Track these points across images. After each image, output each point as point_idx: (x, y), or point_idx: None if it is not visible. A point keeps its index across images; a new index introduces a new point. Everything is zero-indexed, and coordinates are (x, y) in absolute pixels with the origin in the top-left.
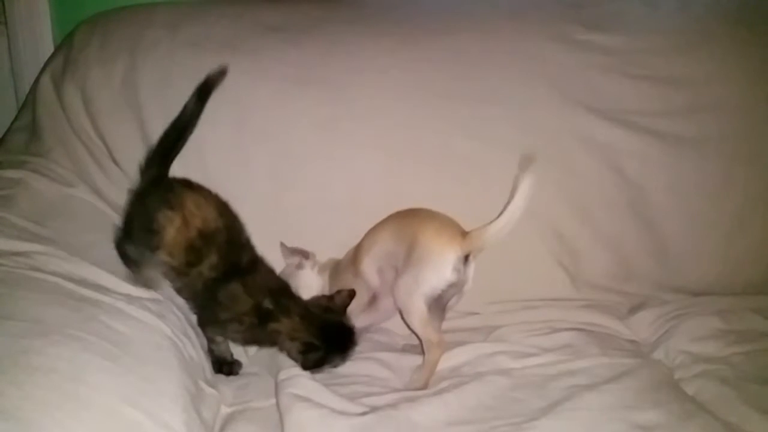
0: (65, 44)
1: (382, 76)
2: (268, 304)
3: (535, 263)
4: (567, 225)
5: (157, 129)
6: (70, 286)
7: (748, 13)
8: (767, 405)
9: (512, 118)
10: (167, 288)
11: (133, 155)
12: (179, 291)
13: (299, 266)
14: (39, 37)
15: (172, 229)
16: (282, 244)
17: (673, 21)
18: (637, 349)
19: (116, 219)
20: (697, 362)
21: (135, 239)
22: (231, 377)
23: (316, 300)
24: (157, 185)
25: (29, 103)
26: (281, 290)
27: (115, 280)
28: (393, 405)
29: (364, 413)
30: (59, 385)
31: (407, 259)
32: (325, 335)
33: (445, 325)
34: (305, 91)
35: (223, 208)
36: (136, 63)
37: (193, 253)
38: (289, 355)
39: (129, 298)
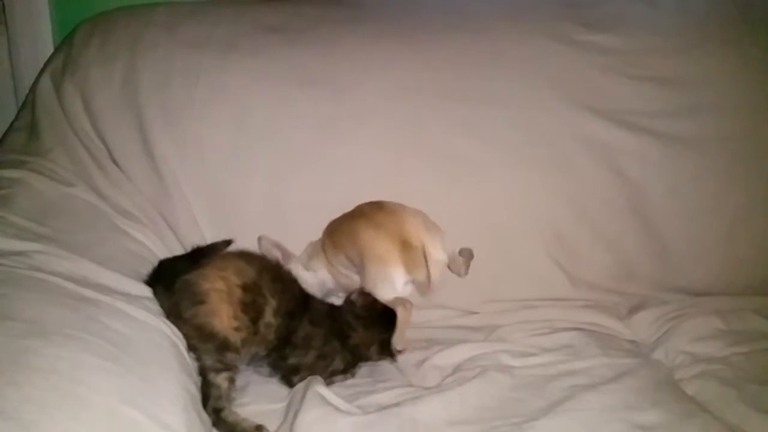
0: (65, 44)
1: (382, 76)
2: (336, 326)
3: (535, 263)
4: (567, 225)
5: (156, 129)
6: (70, 285)
7: (748, 13)
8: (767, 405)
9: (512, 118)
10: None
11: (132, 155)
12: (256, 357)
13: (285, 262)
14: (39, 37)
15: (220, 305)
16: (261, 238)
17: (673, 21)
18: (637, 349)
19: (116, 218)
20: (697, 362)
21: (205, 357)
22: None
23: (353, 305)
24: (170, 294)
25: (29, 103)
26: (330, 308)
27: (115, 278)
28: (395, 403)
29: (366, 412)
30: (58, 385)
31: (361, 274)
32: (387, 325)
33: (445, 323)
34: (305, 91)
35: (242, 255)
36: (136, 63)
37: (249, 309)
38: (372, 360)
39: (129, 298)
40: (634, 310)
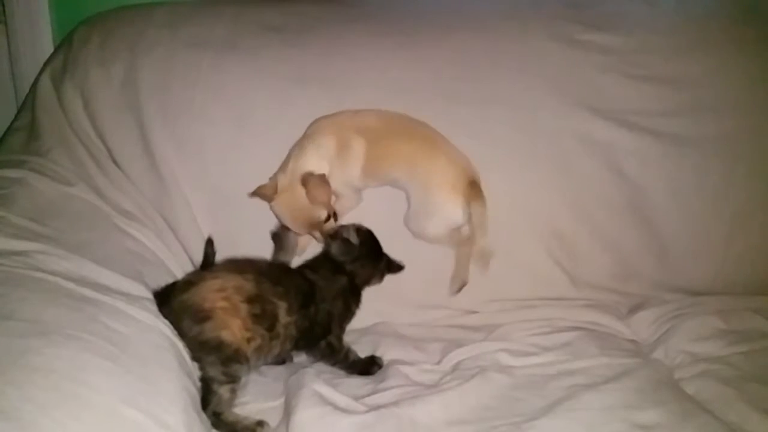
0: (65, 44)
1: (382, 76)
2: (343, 282)
3: (535, 263)
4: (567, 225)
5: (156, 129)
6: (70, 285)
7: (748, 13)
8: (767, 405)
9: (512, 118)
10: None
11: (132, 155)
12: (284, 353)
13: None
14: (39, 37)
15: (229, 320)
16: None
17: (673, 21)
18: (637, 348)
19: (116, 218)
20: (697, 362)
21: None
22: None
23: (347, 244)
24: (166, 312)
25: (29, 103)
26: (331, 272)
27: (115, 279)
28: (395, 403)
29: (365, 411)
30: (58, 385)
31: (419, 201)
32: (380, 251)
33: (445, 323)
34: (305, 90)
35: (234, 269)
36: (136, 63)
37: (262, 319)
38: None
39: (129, 298)
40: (634, 309)
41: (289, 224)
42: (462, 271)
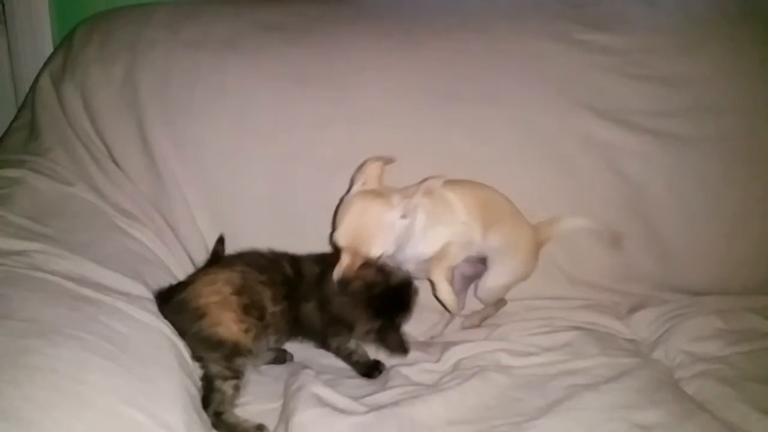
0: (65, 44)
1: (382, 75)
2: (322, 296)
3: None
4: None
5: (156, 129)
6: (70, 285)
7: (748, 13)
8: (767, 405)
9: (512, 117)
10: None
11: (132, 154)
12: (281, 341)
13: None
14: (39, 37)
15: (222, 315)
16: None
17: (673, 21)
18: (637, 348)
19: (115, 217)
20: (696, 362)
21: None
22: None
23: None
24: (169, 309)
25: (29, 103)
26: (313, 263)
27: (115, 278)
28: (395, 403)
29: (365, 412)
30: (59, 385)
31: (498, 262)
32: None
33: (445, 322)
34: (305, 91)
35: (223, 264)
36: (135, 63)
37: (252, 309)
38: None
39: (129, 298)
40: (633, 309)
41: (339, 224)
42: (482, 318)
